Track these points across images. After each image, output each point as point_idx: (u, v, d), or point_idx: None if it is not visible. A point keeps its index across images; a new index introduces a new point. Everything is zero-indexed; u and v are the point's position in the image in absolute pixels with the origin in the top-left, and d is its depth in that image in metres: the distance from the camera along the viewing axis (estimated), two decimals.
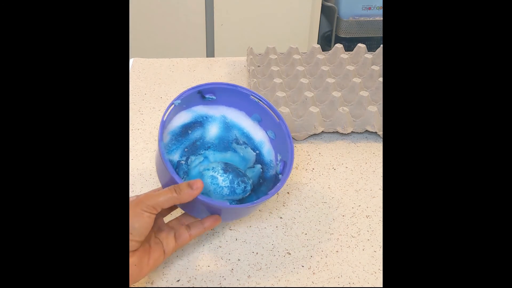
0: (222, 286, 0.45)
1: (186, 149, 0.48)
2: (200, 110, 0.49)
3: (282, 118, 0.51)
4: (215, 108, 0.50)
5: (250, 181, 0.48)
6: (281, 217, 0.53)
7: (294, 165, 0.61)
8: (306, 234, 0.51)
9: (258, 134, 0.51)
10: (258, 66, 0.80)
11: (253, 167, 0.51)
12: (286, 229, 0.52)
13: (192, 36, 1.50)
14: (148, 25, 1.47)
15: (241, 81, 0.79)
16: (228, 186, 0.46)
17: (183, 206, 0.45)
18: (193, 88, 0.47)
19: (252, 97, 0.50)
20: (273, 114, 0.51)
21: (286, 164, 0.48)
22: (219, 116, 0.50)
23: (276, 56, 0.78)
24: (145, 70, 0.81)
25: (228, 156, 0.50)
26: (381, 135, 0.66)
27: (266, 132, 0.52)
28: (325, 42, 1.73)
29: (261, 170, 0.51)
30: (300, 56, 0.78)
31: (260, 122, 0.52)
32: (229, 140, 0.51)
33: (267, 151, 0.51)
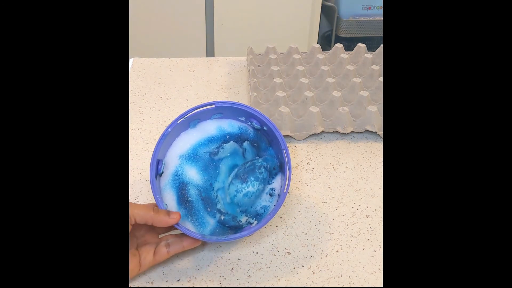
0: (222, 286, 0.45)
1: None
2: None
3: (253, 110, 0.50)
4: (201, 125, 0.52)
5: (264, 163, 0.49)
6: (281, 217, 0.53)
7: (294, 165, 0.61)
8: (306, 234, 0.51)
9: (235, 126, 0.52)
10: (258, 65, 0.80)
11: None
12: (286, 229, 0.52)
13: (192, 36, 1.50)
14: (148, 25, 1.47)
15: (241, 80, 0.79)
16: (258, 183, 0.48)
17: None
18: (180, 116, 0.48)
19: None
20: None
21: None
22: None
23: (276, 56, 0.78)
24: (145, 70, 0.81)
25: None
26: (381, 135, 0.66)
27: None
28: (325, 42, 1.73)
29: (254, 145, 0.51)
30: (300, 56, 0.78)
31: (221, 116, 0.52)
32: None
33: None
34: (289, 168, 0.47)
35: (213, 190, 0.49)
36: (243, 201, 0.48)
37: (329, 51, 0.82)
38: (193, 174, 0.49)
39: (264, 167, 0.49)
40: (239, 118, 0.51)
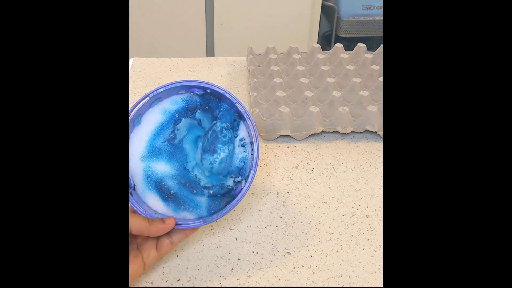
0: (222, 286, 0.45)
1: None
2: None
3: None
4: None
5: (223, 124, 0.48)
6: (281, 217, 0.53)
7: (294, 164, 0.61)
8: (306, 234, 0.51)
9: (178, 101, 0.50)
10: (258, 65, 0.80)
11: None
12: (286, 229, 0.52)
13: (192, 36, 1.50)
14: (148, 25, 1.47)
15: (241, 80, 0.79)
16: (227, 146, 0.47)
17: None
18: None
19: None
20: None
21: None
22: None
23: (276, 56, 0.78)
24: (145, 70, 0.81)
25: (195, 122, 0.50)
26: (381, 135, 0.66)
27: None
28: (325, 41, 1.73)
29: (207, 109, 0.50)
30: (300, 56, 0.78)
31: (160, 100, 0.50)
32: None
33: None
34: (249, 118, 0.47)
35: (189, 172, 0.48)
36: (221, 168, 0.48)
37: (329, 51, 0.82)
38: (162, 168, 0.48)
39: (225, 128, 0.48)
40: (178, 93, 0.49)
